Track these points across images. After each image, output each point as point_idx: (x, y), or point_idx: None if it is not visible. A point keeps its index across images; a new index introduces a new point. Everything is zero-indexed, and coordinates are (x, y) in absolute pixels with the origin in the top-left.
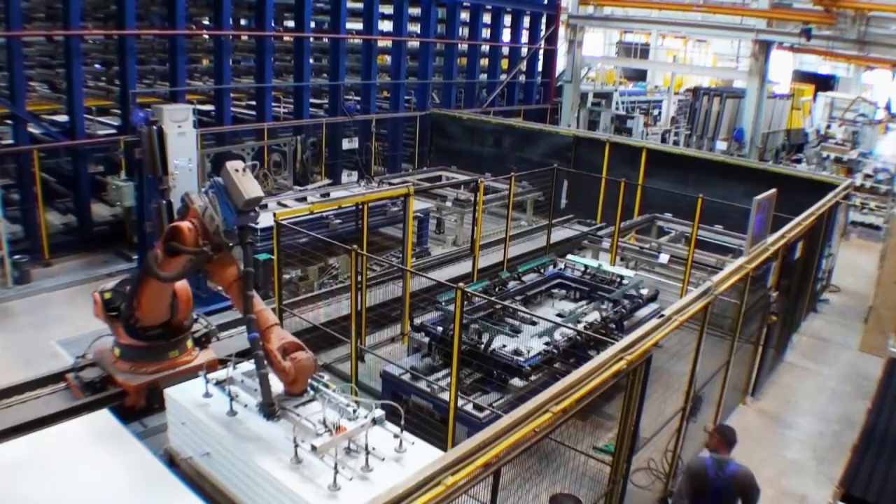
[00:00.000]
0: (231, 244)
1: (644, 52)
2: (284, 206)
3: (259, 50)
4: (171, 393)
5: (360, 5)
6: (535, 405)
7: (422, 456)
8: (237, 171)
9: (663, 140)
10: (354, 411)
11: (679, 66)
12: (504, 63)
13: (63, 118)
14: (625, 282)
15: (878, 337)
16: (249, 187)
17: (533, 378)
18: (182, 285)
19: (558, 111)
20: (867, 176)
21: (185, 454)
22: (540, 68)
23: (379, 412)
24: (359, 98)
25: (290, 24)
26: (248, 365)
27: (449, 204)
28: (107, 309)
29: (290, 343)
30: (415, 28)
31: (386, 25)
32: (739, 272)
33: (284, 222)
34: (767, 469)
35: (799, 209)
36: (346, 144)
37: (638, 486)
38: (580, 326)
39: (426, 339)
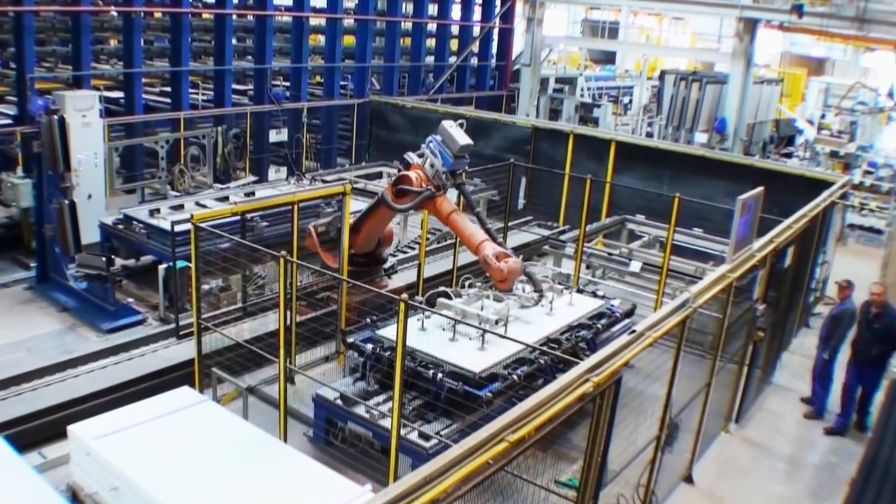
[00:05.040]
0: (447, 186)
1: (613, 31)
2: (203, 206)
3: (175, 29)
4: (74, 429)
5: None
6: (489, 434)
7: None
8: (452, 126)
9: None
10: None
11: (653, 48)
12: (453, 44)
13: None
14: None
15: None
16: (462, 137)
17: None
18: (389, 226)
19: (515, 98)
20: (867, 172)
21: (90, 489)
22: (494, 50)
23: None
24: (288, 84)
25: None
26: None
27: None
28: (319, 240)
29: (500, 252)
30: (351, 4)
31: (319, 1)
32: (721, 282)
33: (203, 225)
34: None
35: (789, 210)
36: (273, 136)
37: None
38: (544, 346)
39: (363, 359)
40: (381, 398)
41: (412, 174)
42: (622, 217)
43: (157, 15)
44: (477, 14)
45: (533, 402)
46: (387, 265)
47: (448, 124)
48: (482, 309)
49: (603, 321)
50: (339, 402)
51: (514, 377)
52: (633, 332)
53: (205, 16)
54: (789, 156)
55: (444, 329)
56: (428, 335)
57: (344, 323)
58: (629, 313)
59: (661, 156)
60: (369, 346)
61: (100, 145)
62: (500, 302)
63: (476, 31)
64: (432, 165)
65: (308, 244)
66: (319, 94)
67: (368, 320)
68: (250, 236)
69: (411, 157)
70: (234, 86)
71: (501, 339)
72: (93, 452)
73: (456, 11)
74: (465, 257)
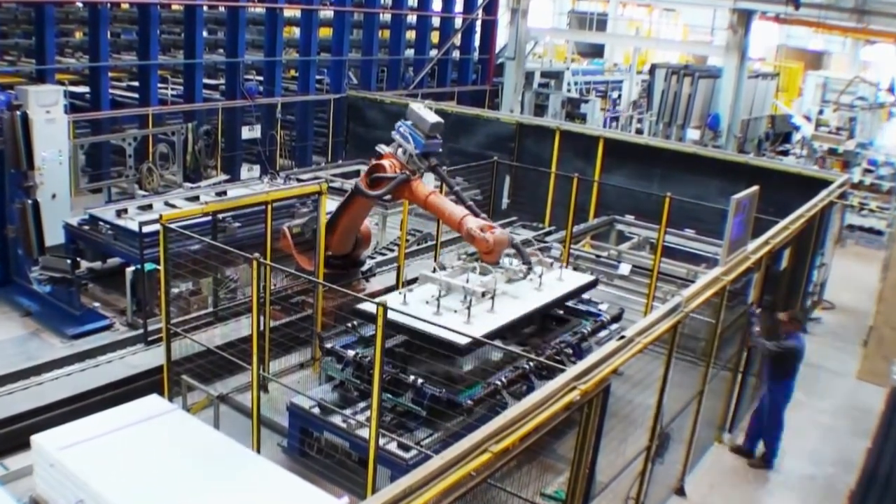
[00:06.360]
0: (422, 169)
1: (601, 23)
2: (173, 206)
3: (143, 21)
4: (38, 439)
5: None
6: (472, 444)
7: None
8: (420, 107)
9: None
10: None
11: (643, 40)
12: (434, 36)
13: None
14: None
15: (880, 362)
16: (431, 116)
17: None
18: (366, 226)
19: (499, 93)
20: (867, 171)
21: (54, 502)
22: (477, 43)
23: None
24: (261, 78)
25: None
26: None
27: None
28: (294, 242)
29: (485, 224)
30: None
31: None
32: (714, 285)
33: (173, 226)
34: None
35: (786, 210)
36: (245, 133)
37: None
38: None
39: (341, 366)
40: (358, 407)
41: (385, 162)
42: (611, 217)
43: (125, 6)
44: (459, 5)
45: (518, 410)
46: (365, 268)
47: (416, 106)
48: (467, 282)
49: (588, 327)
50: (314, 410)
51: (498, 382)
52: (622, 337)
53: (174, 7)
54: (786, 153)
55: (427, 303)
56: (410, 309)
57: (320, 328)
58: (617, 318)
59: (651, 153)
60: (350, 353)
61: (64, 142)
62: (486, 275)
63: (458, 23)
64: (405, 151)
65: (283, 246)
66: (294, 89)
67: (349, 325)
68: (222, 237)
69: (383, 148)
70: (205, 80)
71: (488, 313)
72: (57, 464)
73: (437, 3)
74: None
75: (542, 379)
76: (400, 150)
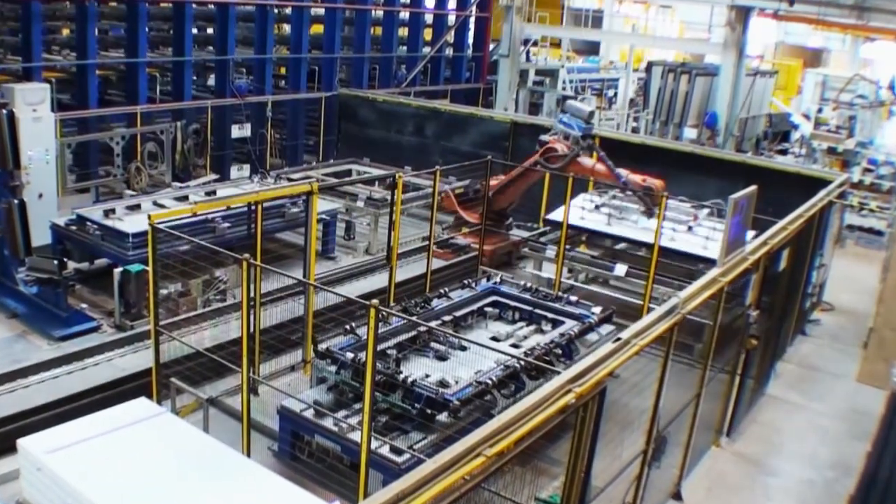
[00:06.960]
0: (582, 147)
1: (597, 20)
2: (162, 206)
3: (131, 17)
4: (24, 443)
5: None
6: (466, 448)
7: None
8: (574, 102)
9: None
10: None
11: (639, 37)
12: (427, 33)
13: None
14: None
15: (880, 365)
16: (587, 106)
17: (462, 414)
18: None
19: (493, 92)
20: (866, 170)
21: None
22: (471, 40)
23: None
24: (251, 76)
25: None
26: None
27: (361, 204)
28: (459, 200)
29: (640, 177)
30: None
31: None
32: (712, 286)
33: (161, 226)
34: None
35: (784, 210)
36: (235, 132)
37: None
38: (520, 352)
39: (333, 368)
40: (350, 410)
41: (557, 145)
42: None
43: (112, 3)
44: (452, 2)
45: (512, 414)
46: (507, 221)
47: (572, 101)
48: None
49: (577, 327)
50: (305, 414)
51: (486, 383)
52: (619, 339)
53: (163, 3)
54: (784, 152)
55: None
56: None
57: (311, 330)
58: (607, 319)
59: (647, 152)
60: (349, 355)
61: (51, 141)
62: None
63: (451, 19)
64: (568, 136)
65: (447, 204)
66: (285, 87)
67: (347, 327)
68: (211, 238)
69: (545, 137)
70: (194, 78)
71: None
72: (44, 467)
73: None
74: (438, 261)
75: (532, 378)
76: (561, 136)
